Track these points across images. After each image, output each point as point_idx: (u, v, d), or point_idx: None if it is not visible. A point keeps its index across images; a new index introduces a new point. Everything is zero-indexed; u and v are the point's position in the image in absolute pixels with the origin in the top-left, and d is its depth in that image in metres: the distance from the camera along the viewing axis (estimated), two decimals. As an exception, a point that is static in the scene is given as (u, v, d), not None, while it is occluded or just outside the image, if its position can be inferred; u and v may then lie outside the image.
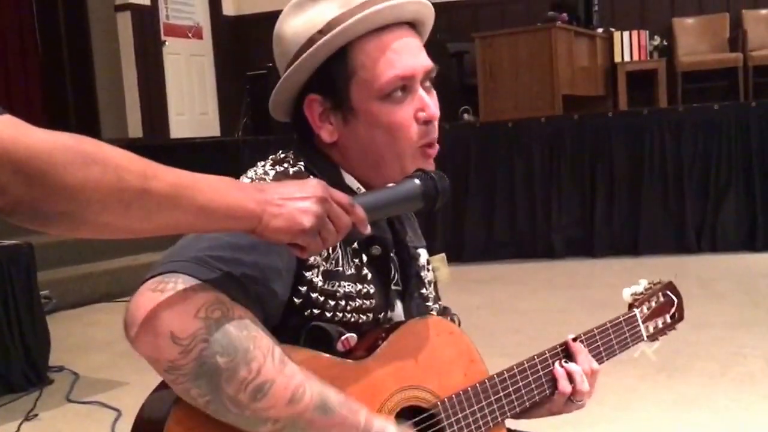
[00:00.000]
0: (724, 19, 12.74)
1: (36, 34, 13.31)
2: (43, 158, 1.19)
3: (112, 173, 1.26)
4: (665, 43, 12.84)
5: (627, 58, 12.69)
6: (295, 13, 1.94)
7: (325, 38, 1.85)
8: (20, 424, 5.15)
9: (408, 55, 1.90)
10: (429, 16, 2.00)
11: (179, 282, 1.48)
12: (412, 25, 1.97)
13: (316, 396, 1.56)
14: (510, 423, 2.14)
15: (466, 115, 11.85)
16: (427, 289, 2.14)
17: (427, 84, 1.95)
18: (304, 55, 1.88)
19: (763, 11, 12.57)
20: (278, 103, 1.99)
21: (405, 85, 1.89)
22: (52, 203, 1.22)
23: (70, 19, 13.27)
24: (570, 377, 2.10)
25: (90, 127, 12.44)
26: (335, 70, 1.89)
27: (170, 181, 1.34)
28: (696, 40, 12.72)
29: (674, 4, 13.06)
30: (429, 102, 1.91)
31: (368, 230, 1.60)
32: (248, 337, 1.49)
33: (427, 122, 1.91)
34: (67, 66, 13.39)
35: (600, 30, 12.67)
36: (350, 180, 1.95)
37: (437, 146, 1.96)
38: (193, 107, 14.46)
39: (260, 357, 1.49)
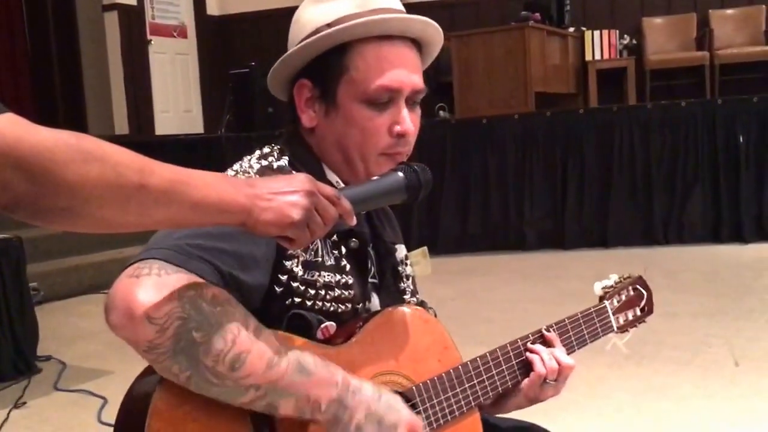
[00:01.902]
0: (691, 18, 12.77)
1: (25, 33, 13.26)
2: (46, 156, 1.20)
3: (111, 170, 1.27)
4: (634, 42, 12.88)
5: (597, 57, 12.72)
6: (316, 2, 1.96)
7: (328, 31, 1.88)
8: (9, 411, 5.14)
9: (400, 70, 1.91)
10: (435, 37, 2.01)
11: (154, 267, 1.51)
12: (418, 43, 1.99)
13: (293, 359, 1.59)
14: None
15: (441, 112, 11.88)
16: (404, 283, 2.15)
17: (413, 102, 1.96)
18: (306, 41, 1.90)
19: (729, 11, 12.61)
20: (274, 81, 2.01)
21: (390, 97, 1.91)
22: (53, 199, 1.23)
23: (58, 19, 13.23)
24: (539, 358, 2.12)
25: (77, 124, 12.43)
26: (331, 62, 1.91)
27: (166, 177, 1.36)
28: (664, 39, 12.75)
29: (643, 4, 13.08)
30: (406, 117, 1.93)
31: (354, 221, 1.62)
32: (222, 312, 1.51)
33: (400, 136, 1.93)
34: (55, 64, 13.35)
35: (571, 29, 12.68)
36: (331, 175, 1.97)
37: (405, 158, 1.96)
38: (178, 104, 14.42)
39: (234, 329, 1.51)
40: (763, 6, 12.43)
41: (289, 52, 1.94)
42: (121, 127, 13.35)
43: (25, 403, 5.31)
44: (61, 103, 13.33)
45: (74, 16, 13.30)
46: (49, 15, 13.19)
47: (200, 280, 1.53)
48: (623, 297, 2.44)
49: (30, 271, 6.48)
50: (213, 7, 15.12)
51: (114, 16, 13.31)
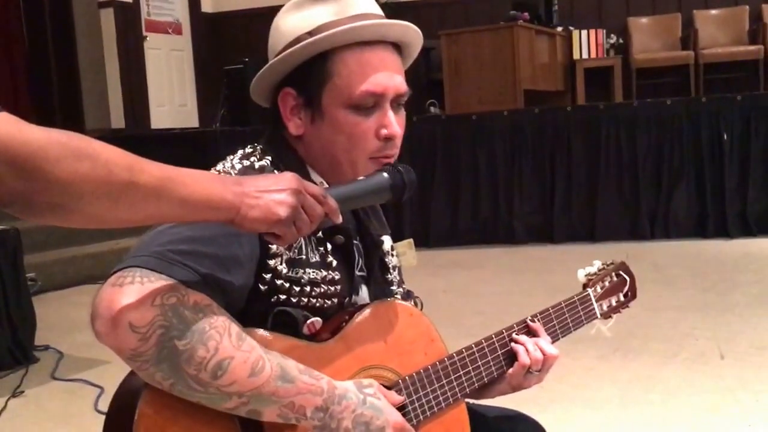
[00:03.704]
0: (676, 18, 12.81)
1: (23, 31, 13.21)
2: (38, 153, 1.21)
3: (101, 167, 1.28)
4: (621, 41, 12.92)
5: (585, 56, 12.77)
6: (294, 10, 1.94)
7: (309, 40, 1.87)
8: (7, 400, 5.13)
9: (383, 75, 1.90)
10: (415, 40, 2.01)
11: (137, 275, 1.50)
12: (399, 47, 1.98)
13: (276, 367, 1.58)
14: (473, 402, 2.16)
15: (432, 108, 11.88)
16: (391, 274, 2.15)
17: (398, 104, 1.96)
18: (288, 50, 1.89)
19: (713, 11, 12.64)
20: (257, 89, 2.00)
21: (374, 101, 1.90)
22: (45, 195, 1.24)
23: (55, 16, 13.18)
24: (524, 348, 2.11)
25: (74, 119, 12.41)
26: (314, 70, 1.90)
27: (156, 174, 1.36)
28: (650, 39, 12.79)
29: (629, 5, 13.11)
30: (392, 120, 1.92)
31: (340, 220, 1.63)
32: (204, 319, 1.51)
33: (387, 139, 1.92)
34: (52, 60, 13.28)
35: (559, 28, 12.72)
36: (315, 176, 1.96)
37: (393, 160, 1.96)
38: (173, 99, 14.45)
39: (216, 336, 1.51)
40: (747, 6, 12.48)
41: (270, 62, 1.94)
42: (117, 121, 13.36)
43: (22, 392, 5.30)
44: (58, 98, 13.28)
45: (71, 12, 13.24)
46: (46, 12, 13.14)
47: (182, 285, 1.52)
48: (606, 283, 2.43)
49: (27, 261, 6.47)
50: (207, 5, 15.14)
51: (110, 13, 13.34)
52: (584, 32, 12.74)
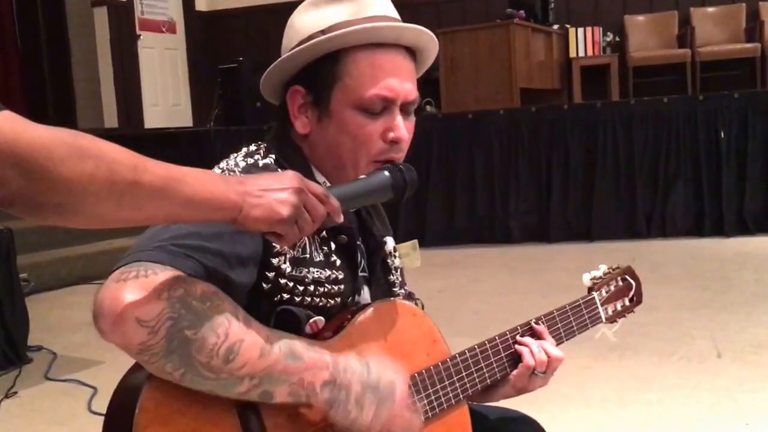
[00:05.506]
0: (672, 16, 12.82)
1: (15, 29, 13.21)
2: (42, 152, 1.20)
3: (105, 167, 1.27)
4: (617, 39, 12.96)
5: (581, 54, 12.77)
6: (310, 8, 1.94)
7: (321, 38, 1.87)
8: (0, 401, 5.13)
9: (394, 79, 1.90)
10: (429, 45, 2.01)
11: (141, 270, 1.49)
12: (412, 51, 1.98)
13: (284, 346, 1.59)
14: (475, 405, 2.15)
15: (428, 107, 11.88)
16: (393, 275, 2.15)
17: (408, 110, 1.96)
18: (300, 47, 1.89)
19: (710, 9, 12.65)
20: (267, 86, 2.00)
21: (384, 105, 1.90)
22: (49, 195, 1.23)
23: (48, 14, 13.19)
24: (528, 350, 2.10)
25: (67, 118, 12.44)
26: (324, 69, 1.90)
27: (159, 174, 1.36)
28: (646, 37, 12.80)
29: (626, 3, 13.13)
30: (400, 124, 1.92)
31: (342, 219, 1.62)
32: (211, 307, 1.51)
33: (393, 142, 1.92)
34: (45, 59, 13.31)
35: (556, 26, 12.72)
36: (319, 177, 1.96)
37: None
38: (167, 98, 14.42)
39: (225, 322, 1.51)
40: (743, 4, 12.49)
41: (282, 57, 1.93)
42: (111, 120, 13.35)
43: (16, 392, 5.29)
44: (51, 98, 13.29)
45: (63, 11, 13.27)
46: (39, 10, 13.15)
47: (187, 277, 1.52)
48: (612, 287, 2.43)
49: (20, 262, 6.45)
50: (201, 3, 15.13)
51: (103, 12, 13.32)
52: (581, 30, 12.77)
